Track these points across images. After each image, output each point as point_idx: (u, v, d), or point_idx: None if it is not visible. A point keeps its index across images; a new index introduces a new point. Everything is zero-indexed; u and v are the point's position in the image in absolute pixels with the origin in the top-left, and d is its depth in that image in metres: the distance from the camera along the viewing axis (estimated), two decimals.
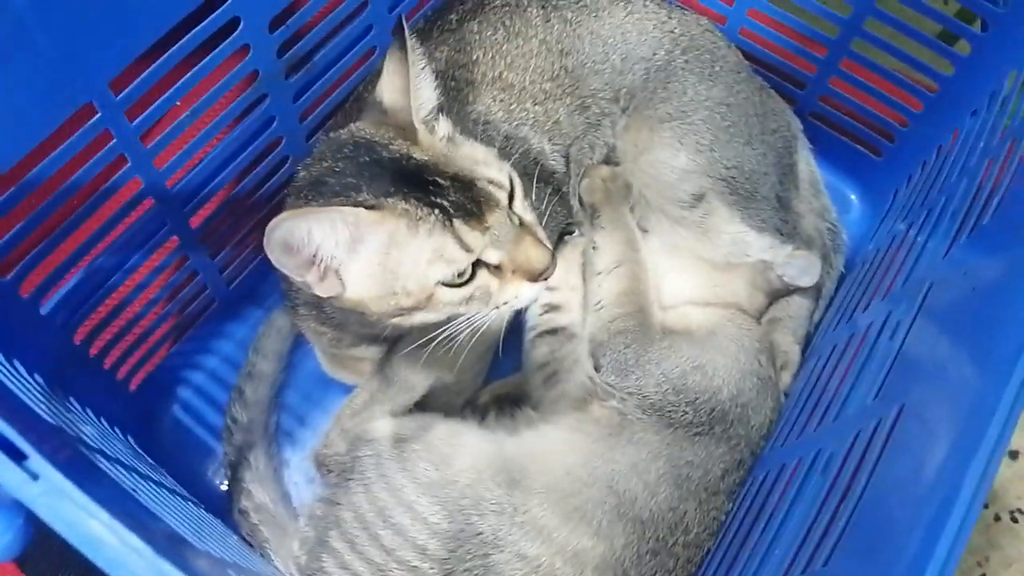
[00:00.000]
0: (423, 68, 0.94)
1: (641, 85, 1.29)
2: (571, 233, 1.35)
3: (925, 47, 1.31)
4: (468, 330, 0.97)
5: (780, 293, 1.34)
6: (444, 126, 0.98)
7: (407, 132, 0.94)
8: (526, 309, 1.33)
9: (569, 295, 1.32)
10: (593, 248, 1.27)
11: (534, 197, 1.25)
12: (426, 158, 0.92)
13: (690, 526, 1.09)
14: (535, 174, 1.25)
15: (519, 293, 0.95)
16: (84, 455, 0.77)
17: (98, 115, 0.92)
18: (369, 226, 0.88)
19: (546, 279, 0.95)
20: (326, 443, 1.22)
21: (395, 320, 0.95)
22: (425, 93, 0.95)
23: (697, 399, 1.14)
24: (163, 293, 1.22)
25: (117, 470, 0.81)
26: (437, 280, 0.91)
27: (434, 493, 1.05)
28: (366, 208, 0.87)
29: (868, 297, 1.19)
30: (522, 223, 0.94)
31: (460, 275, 0.92)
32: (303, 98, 1.22)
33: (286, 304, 1.26)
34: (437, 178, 0.90)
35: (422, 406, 1.23)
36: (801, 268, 1.30)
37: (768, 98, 1.41)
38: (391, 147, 0.92)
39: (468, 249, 0.90)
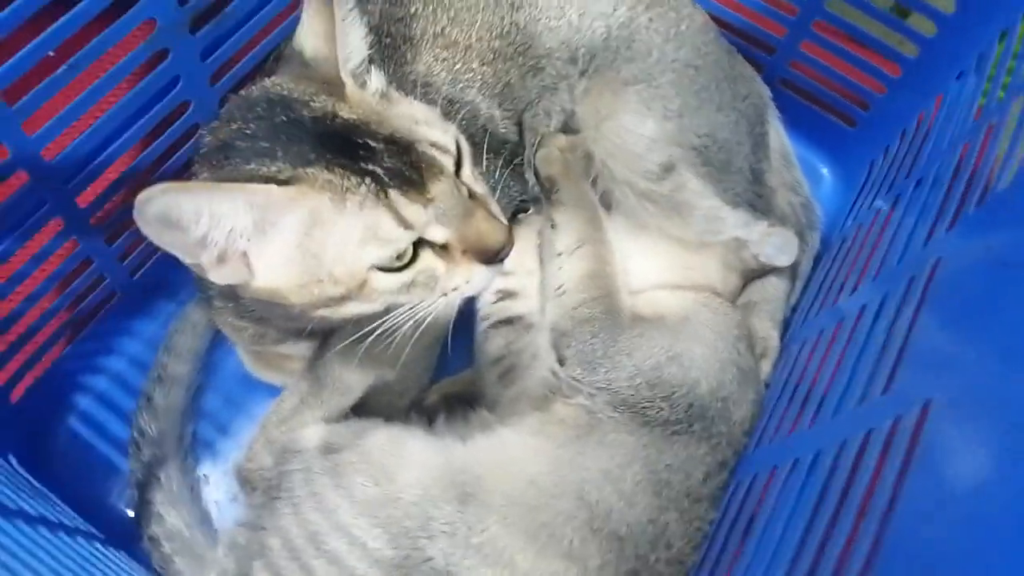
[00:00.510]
0: (351, 10, 0.80)
1: (602, 45, 1.15)
2: (526, 211, 1.21)
3: (904, 6, 1.21)
4: (411, 322, 0.84)
5: (755, 274, 1.23)
6: (377, 80, 0.84)
7: (332, 87, 0.79)
8: (477, 297, 1.18)
9: (525, 280, 1.18)
10: (551, 227, 1.13)
11: (484, 168, 1.11)
12: (355, 116, 0.78)
13: (672, 540, 0.96)
14: (484, 143, 1.10)
15: (470, 278, 0.83)
16: None
17: None
18: (283, 206, 0.73)
19: (502, 260, 0.83)
20: (249, 455, 1.06)
21: (321, 312, 0.81)
22: (354, 41, 0.81)
23: (674, 393, 1.01)
24: (48, 285, 1.04)
25: None
26: (371, 264, 0.76)
27: (374, 513, 0.90)
28: (279, 183, 0.73)
29: (855, 278, 1.08)
30: (472, 195, 0.83)
31: (399, 257, 0.78)
32: (213, 56, 1.05)
33: (199, 295, 1.09)
34: (368, 140, 0.76)
35: (361, 410, 1.08)
36: (778, 246, 1.19)
37: (737, 62, 1.29)
38: (312, 104, 0.77)
39: (407, 225, 0.76)
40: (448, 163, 0.80)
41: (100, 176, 0.99)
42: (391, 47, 1.07)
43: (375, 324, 0.84)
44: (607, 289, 1.07)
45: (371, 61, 0.84)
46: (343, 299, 0.78)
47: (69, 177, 0.95)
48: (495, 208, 0.84)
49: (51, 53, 0.83)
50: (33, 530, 0.77)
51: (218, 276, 0.76)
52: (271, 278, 0.77)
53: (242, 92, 0.84)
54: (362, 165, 0.75)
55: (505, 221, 0.83)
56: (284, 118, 0.77)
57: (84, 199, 1.00)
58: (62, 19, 0.82)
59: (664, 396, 1.01)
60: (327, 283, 0.77)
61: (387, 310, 0.83)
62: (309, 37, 0.81)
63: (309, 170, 0.74)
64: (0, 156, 0.85)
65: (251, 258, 0.76)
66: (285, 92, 0.79)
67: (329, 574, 0.88)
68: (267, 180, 0.73)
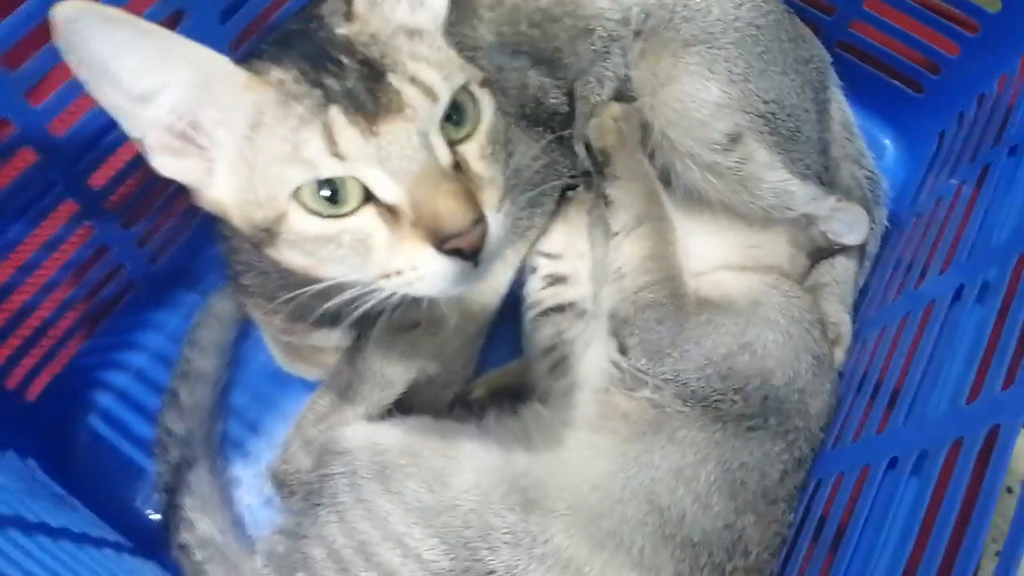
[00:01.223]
0: None
1: (656, 2, 1.07)
2: (575, 188, 1.12)
3: None
4: (358, 306, 0.70)
5: (823, 253, 1.14)
6: (409, 15, 0.73)
7: (348, 9, 0.71)
8: (524, 282, 1.10)
9: (576, 263, 1.10)
10: (606, 204, 1.04)
11: (530, 144, 1.02)
12: (345, 33, 0.69)
13: (749, 546, 0.88)
14: (535, 115, 1.01)
15: (417, 263, 0.65)
16: None
17: None
18: (230, 88, 0.66)
19: (471, 258, 0.65)
20: (286, 457, 1.00)
21: (269, 253, 0.70)
22: None
23: (747, 384, 0.93)
24: (63, 274, 0.97)
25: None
26: (291, 189, 0.65)
27: (429, 522, 0.83)
28: (237, 65, 0.66)
29: (941, 259, 0.99)
30: (459, 167, 0.68)
31: (332, 199, 0.65)
32: (233, 18, 0.96)
33: (227, 273, 1.00)
34: (343, 57, 0.66)
35: (401, 406, 1.01)
36: (848, 223, 1.11)
37: (796, 23, 1.20)
38: (325, 18, 0.71)
39: (337, 152, 0.63)
40: (422, 106, 0.65)
41: (113, 154, 0.92)
42: None
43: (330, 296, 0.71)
44: (670, 271, 0.98)
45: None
46: (271, 235, 0.67)
47: (80, 155, 0.88)
48: (486, 196, 0.67)
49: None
50: (55, 544, 0.70)
51: (166, 167, 0.68)
52: (222, 188, 0.69)
53: None
54: (321, 76, 0.66)
55: (488, 216, 0.66)
56: (295, 28, 0.72)
57: (97, 180, 0.92)
58: None
59: (737, 388, 0.93)
60: (255, 204, 0.67)
61: (330, 285, 0.70)
62: None
63: (273, 67, 0.67)
64: (4, 131, 0.77)
65: (212, 157, 0.68)
66: (319, 10, 0.73)
67: None
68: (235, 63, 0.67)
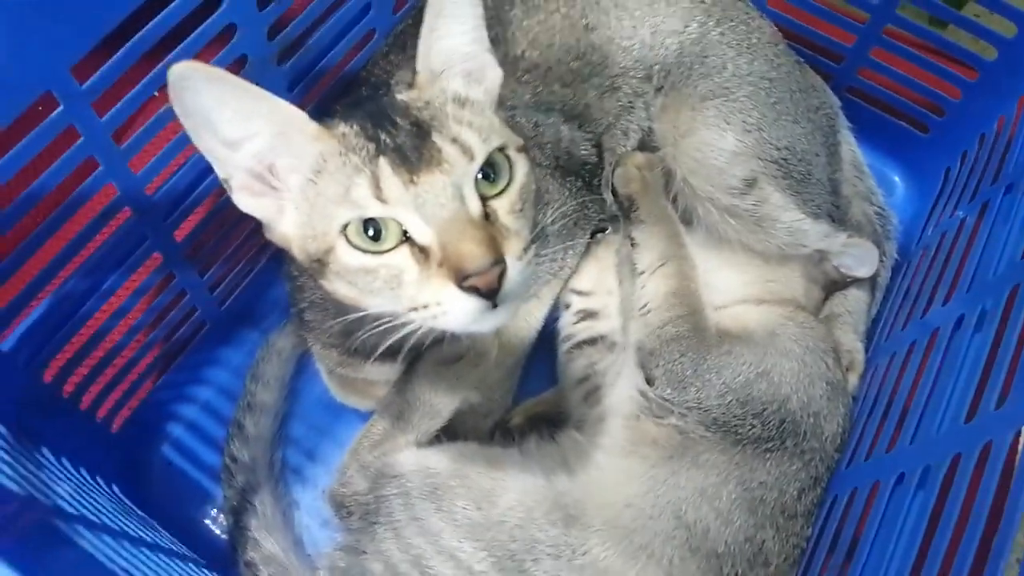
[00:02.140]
0: (452, 14, 0.81)
1: (675, 61, 1.15)
2: (604, 231, 1.21)
3: (981, 6, 1.19)
4: (389, 336, 0.79)
5: (837, 286, 1.21)
6: (463, 86, 0.84)
7: (412, 79, 0.83)
8: (558, 317, 1.19)
9: (606, 299, 1.18)
10: (632, 245, 1.13)
11: (564, 193, 1.12)
12: (404, 99, 0.80)
13: (769, 557, 0.95)
14: (567, 166, 1.10)
15: (441, 298, 0.73)
16: (60, 532, 0.61)
17: (60, 108, 0.76)
18: (302, 137, 0.76)
19: (482, 295, 0.72)
20: (343, 480, 1.07)
21: (322, 283, 0.80)
22: (444, 42, 0.82)
23: (765, 410, 1.00)
24: (146, 318, 1.07)
25: (102, 543, 0.66)
26: (341, 224, 0.75)
27: (478, 536, 0.91)
28: (311, 118, 0.77)
29: (945, 289, 1.06)
30: (489, 218, 0.77)
31: (374, 237, 0.74)
32: (299, 87, 1.07)
33: (291, 310, 1.10)
34: (398, 118, 0.77)
35: (446, 433, 1.08)
36: (858, 257, 1.18)
37: (807, 73, 1.29)
38: (391, 89, 0.83)
39: (380, 196, 0.73)
40: (458, 163, 0.74)
41: (194, 211, 1.02)
42: None
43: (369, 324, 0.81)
44: (692, 306, 1.06)
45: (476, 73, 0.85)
46: (322, 265, 0.78)
47: (168, 212, 0.98)
48: (510, 245, 0.75)
49: (155, 94, 0.85)
50: (154, 554, 0.79)
51: (246, 204, 0.79)
52: (288, 225, 0.79)
53: None
54: (377, 132, 0.76)
55: (508, 260, 0.73)
56: (366, 94, 0.84)
57: (180, 233, 1.02)
58: (163, 62, 0.84)
59: (755, 413, 1.00)
60: (311, 238, 0.77)
61: (369, 313, 0.80)
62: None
63: (340, 123, 0.78)
64: (109, 194, 0.88)
65: (283, 199, 0.78)
66: (390, 77, 0.84)
67: None
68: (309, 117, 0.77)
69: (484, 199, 0.77)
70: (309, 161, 0.77)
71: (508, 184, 0.79)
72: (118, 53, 0.79)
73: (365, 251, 0.75)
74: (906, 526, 0.83)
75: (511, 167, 0.80)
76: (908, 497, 0.84)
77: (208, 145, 0.75)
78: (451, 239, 0.72)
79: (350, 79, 1.15)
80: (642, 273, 1.10)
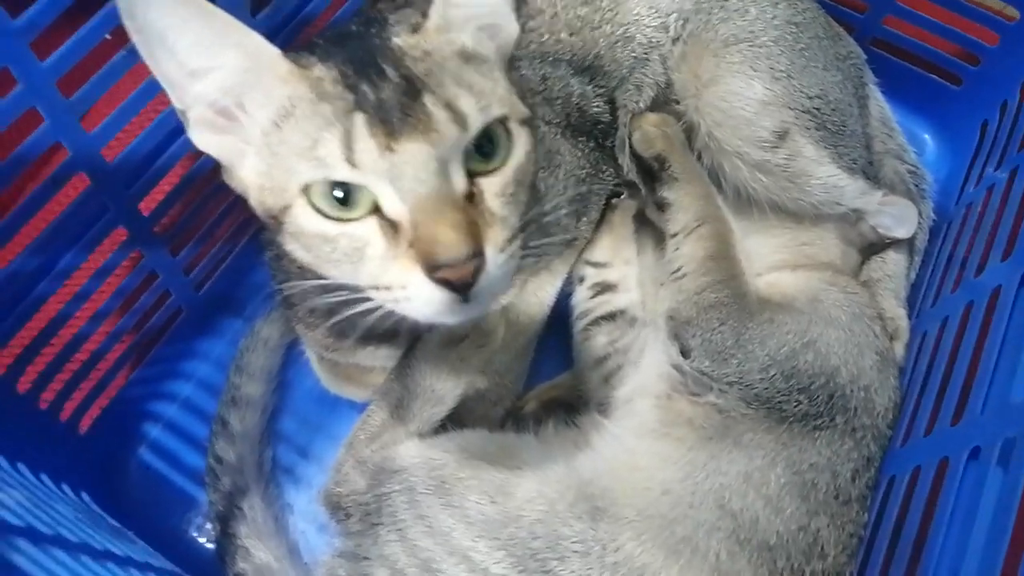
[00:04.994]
0: None
1: (693, 6, 1.07)
2: (619, 195, 1.11)
3: None
4: (362, 312, 0.69)
5: (874, 248, 1.13)
6: (473, 41, 0.71)
7: (420, 20, 0.70)
8: (573, 292, 1.09)
9: (624, 270, 1.09)
10: (662, 207, 1.03)
11: (577, 154, 1.02)
12: (400, 45, 0.68)
13: (826, 548, 0.85)
14: (579, 124, 1.00)
15: (406, 282, 0.64)
16: None
17: None
18: (273, 76, 0.66)
19: (453, 288, 0.63)
20: (339, 479, 0.97)
21: (276, 238, 0.71)
22: None
23: (812, 384, 0.90)
24: (113, 303, 0.97)
25: (50, 560, 0.54)
26: (302, 183, 0.64)
27: (495, 534, 0.81)
28: (283, 56, 0.67)
29: (1001, 248, 0.96)
30: (473, 200, 0.67)
31: (343, 201, 0.64)
32: (275, 42, 0.95)
33: (272, 286, 0.99)
34: (387, 66, 0.66)
35: (454, 423, 0.98)
36: (897, 216, 1.09)
37: (830, 21, 1.19)
38: (386, 27, 0.70)
39: (351, 159, 0.63)
40: (448, 132, 0.64)
41: (162, 179, 0.92)
42: None
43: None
44: (732, 271, 0.96)
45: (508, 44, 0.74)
46: (277, 222, 0.68)
47: (131, 180, 0.88)
48: (492, 234, 0.66)
49: (108, 36, 0.75)
50: (125, 572, 0.68)
51: (203, 141, 0.69)
52: (248, 168, 0.69)
53: None
54: (359, 83, 0.65)
55: (488, 253, 0.64)
56: (355, 29, 0.72)
57: (147, 205, 0.92)
58: None
59: (802, 388, 0.90)
60: (268, 190, 0.67)
61: (332, 283, 0.69)
62: None
63: (317, 64, 0.67)
64: (59, 156, 0.77)
65: (248, 140, 0.68)
66: (384, 15, 0.72)
67: None
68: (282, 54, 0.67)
69: (472, 175, 0.67)
70: (276, 104, 0.66)
71: (504, 162, 0.68)
72: None
73: (327, 216, 0.65)
74: (985, 507, 0.73)
75: (510, 142, 0.69)
76: (987, 473, 0.74)
77: (164, 69, 0.65)
78: (425, 219, 0.63)
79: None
80: (676, 235, 1.01)
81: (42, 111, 0.73)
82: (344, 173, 0.63)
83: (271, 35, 0.93)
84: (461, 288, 0.63)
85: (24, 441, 0.85)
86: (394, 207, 0.64)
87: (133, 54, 0.75)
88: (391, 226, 0.64)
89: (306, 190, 0.64)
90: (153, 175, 0.89)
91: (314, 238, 0.66)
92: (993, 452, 0.74)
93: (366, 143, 0.62)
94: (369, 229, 0.65)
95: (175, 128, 0.88)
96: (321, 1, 1.01)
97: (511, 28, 0.74)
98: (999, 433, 0.75)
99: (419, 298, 0.64)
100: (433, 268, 0.62)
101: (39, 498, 0.76)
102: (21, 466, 0.81)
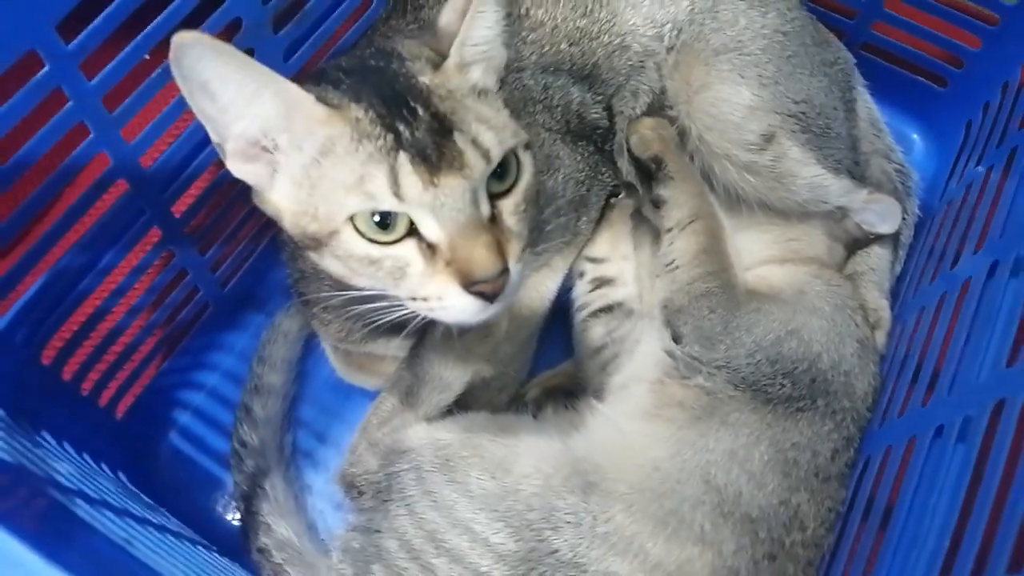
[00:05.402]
0: (493, 4, 0.79)
1: (687, 18, 1.12)
2: (617, 195, 1.17)
3: None
4: (386, 316, 0.79)
5: (859, 244, 1.18)
6: (482, 77, 0.82)
7: (439, 57, 0.79)
8: (573, 286, 1.15)
9: (622, 265, 1.15)
10: (658, 204, 1.09)
11: (576, 158, 1.08)
12: (426, 83, 0.76)
13: (805, 521, 0.91)
14: (578, 130, 1.07)
15: (443, 295, 0.74)
16: (57, 501, 0.58)
17: (45, 68, 0.73)
18: (309, 120, 0.73)
19: (489, 299, 0.74)
20: (353, 460, 1.04)
21: (311, 255, 0.79)
22: (482, 31, 0.80)
23: (795, 369, 0.96)
24: (147, 299, 1.04)
25: (103, 517, 0.62)
26: (349, 213, 0.73)
27: (494, 507, 0.87)
28: (318, 100, 0.73)
29: (974, 240, 1.02)
30: (495, 221, 0.77)
31: (381, 225, 0.73)
32: (295, 56, 1.04)
33: (288, 282, 1.07)
34: (418, 106, 0.74)
35: (460, 408, 1.05)
36: (881, 213, 1.14)
37: (820, 28, 1.25)
38: (407, 64, 0.78)
39: (398, 193, 0.71)
40: (478, 166, 0.73)
41: (192, 184, 0.99)
42: None
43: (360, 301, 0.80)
44: (722, 264, 1.02)
45: (504, 69, 0.83)
46: (319, 244, 0.75)
47: (165, 185, 0.95)
48: (512, 248, 0.76)
49: (146, 56, 0.82)
50: (162, 535, 0.76)
51: (238, 170, 0.76)
52: (281, 195, 0.76)
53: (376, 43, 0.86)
54: (395, 122, 0.73)
55: (511, 266, 0.75)
56: (375, 64, 0.78)
57: (179, 208, 0.99)
58: (154, 22, 0.82)
59: (785, 372, 0.96)
60: (310, 218, 0.75)
61: (362, 292, 0.79)
62: (448, 10, 0.81)
63: (352, 104, 0.74)
64: (102, 164, 0.85)
65: (277, 167, 0.75)
66: (396, 47, 0.80)
67: (452, 572, 0.85)
68: (319, 100, 0.74)
69: (491, 197, 0.76)
70: (316, 142, 0.74)
71: (515, 183, 0.78)
72: (105, 10, 0.76)
73: (372, 240, 0.74)
74: (947, 481, 0.79)
75: (519, 166, 0.79)
76: (948, 450, 0.80)
77: (205, 111, 0.72)
78: (463, 243, 0.73)
79: (348, 49, 1.12)
80: (670, 230, 1.06)
81: (89, 125, 0.81)
82: (391, 204, 0.72)
83: (291, 50, 1.02)
84: (492, 297, 0.74)
85: (68, 423, 0.92)
86: (433, 232, 0.73)
87: (168, 71, 0.84)
88: (429, 248, 0.74)
89: (352, 218, 0.73)
90: (184, 181, 0.97)
91: (361, 260, 0.74)
92: (954, 430, 0.80)
93: (410, 179, 0.71)
94: (409, 250, 0.74)
95: (204, 139, 0.95)
96: (339, 16, 1.08)
97: (502, 57, 0.82)
98: (960, 411, 0.81)
99: (455, 307, 0.74)
100: (469, 284, 0.72)
101: (85, 472, 0.83)
102: (67, 444, 0.89)
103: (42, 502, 0.54)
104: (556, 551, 0.84)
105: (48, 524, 0.45)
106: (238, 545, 1.06)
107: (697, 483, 0.89)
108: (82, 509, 0.60)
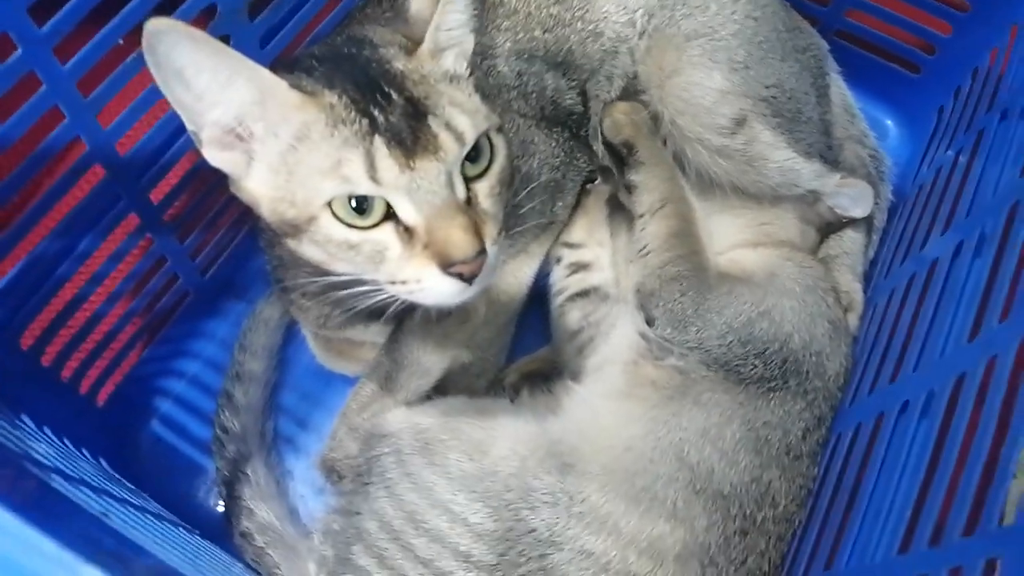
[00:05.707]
0: None
1: (658, 3, 1.13)
2: (593, 180, 1.18)
3: None
4: (365, 301, 0.80)
5: (832, 227, 1.19)
6: (453, 63, 0.83)
7: (412, 44, 0.80)
8: (550, 272, 1.17)
9: (598, 251, 1.16)
10: (630, 190, 1.10)
11: (551, 144, 1.09)
12: (400, 69, 0.78)
13: (777, 498, 0.93)
14: (553, 116, 1.08)
15: (421, 277, 0.76)
16: (33, 475, 0.59)
17: (18, 52, 0.73)
18: (284, 106, 0.74)
19: (467, 281, 0.76)
20: (333, 445, 1.05)
21: (289, 242, 0.79)
22: (455, 17, 0.81)
23: (766, 349, 0.98)
24: (127, 285, 1.04)
25: (80, 492, 0.63)
26: (327, 198, 0.74)
27: (472, 488, 0.88)
28: (292, 87, 0.74)
29: (942, 222, 1.04)
30: (471, 203, 0.78)
31: (358, 210, 0.74)
32: (272, 43, 1.04)
33: (267, 268, 1.08)
34: (392, 91, 0.75)
35: (438, 394, 1.06)
36: (853, 197, 1.15)
37: (792, 15, 1.26)
38: (379, 50, 0.79)
39: (375, 177, 0.72)
40: (452, 149, 0.75)
41: (170, 171, 0.99)
42: None
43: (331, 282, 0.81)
44: (693, 247, 1.04)
45: (470, 56, 0.84)
46: (297, 231, 0.76)
47: (142, 172, 0.95)
48: (488, 230, 0.77)
49: (120, 41, 0.83)
50: (140, 514, 0.77)
51: (214, 158, 0.77)
52: (258, 182, 0.77)
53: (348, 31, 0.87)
54: (370, 107, 0.74)
55: (488, 248, 0.76)
56: (348, 51, 0.79)
57: (157, 195, 1.00)
58: (128, 6, 0.82)
59: (757, 353, 0.97)
60: (288, 204, 0.75)
61: (341, 277, 0.80)
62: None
63: (325, 91, 0.75)
64: (78, 150, 0.85)
65: (254, 154, 0.76)
66: (368, 35, 0.81)
67: (431, 551, 0.86)
68: (293, 87, 0.74)
69: (466, 180, 0.78)
70: (291, 129, 0.75)
71: (489, 166, 0.80)
72: None
73: (350, 225, 0.74)
74: (911, 454, 0.81)
75: (492, 149, 0.80)
76: (912, 425, 0.82)
77: (179, 98, 0.73)
78: (439, 226, 0.74)
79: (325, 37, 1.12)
80: (642, 216, 1.07)
81: (63, 109, 0.81)
82: (368, 188, 0.73)
83: (268, 37, 1.03)
84: (470, 279, 0.75)
85: (48, 409, 0.92)
86: (410, 215, 0.74)
87: (142, 58, 0.84)
88: (406, 231, 0.75)
89: (329, 203, 0.74)
90: (162, 167, 0.97)
91: (339, 245, 0.75)
92: (918, 405, 0.82)
93: (386, 162, 0.72)
94: (387, 235, 0.75)
95: (181, 126, 0.94)
96: (315, 4, 1.09)
97: (470, 43, 0.84)
98: (925, 387, 0.83)
99: (433, 289, 0.76)
100: (447, 265, 0.74)
101: (63, 454, 0.84)
102: (47, 429, 0.89)
103: (23, 475, 0.55)
104: (534, 530, 0.86)
105: (31, 496, 0.46)
106: (220, 530, 1.06)
107: (670, 461, 0.90)
108: (59, 484, 0.61)
